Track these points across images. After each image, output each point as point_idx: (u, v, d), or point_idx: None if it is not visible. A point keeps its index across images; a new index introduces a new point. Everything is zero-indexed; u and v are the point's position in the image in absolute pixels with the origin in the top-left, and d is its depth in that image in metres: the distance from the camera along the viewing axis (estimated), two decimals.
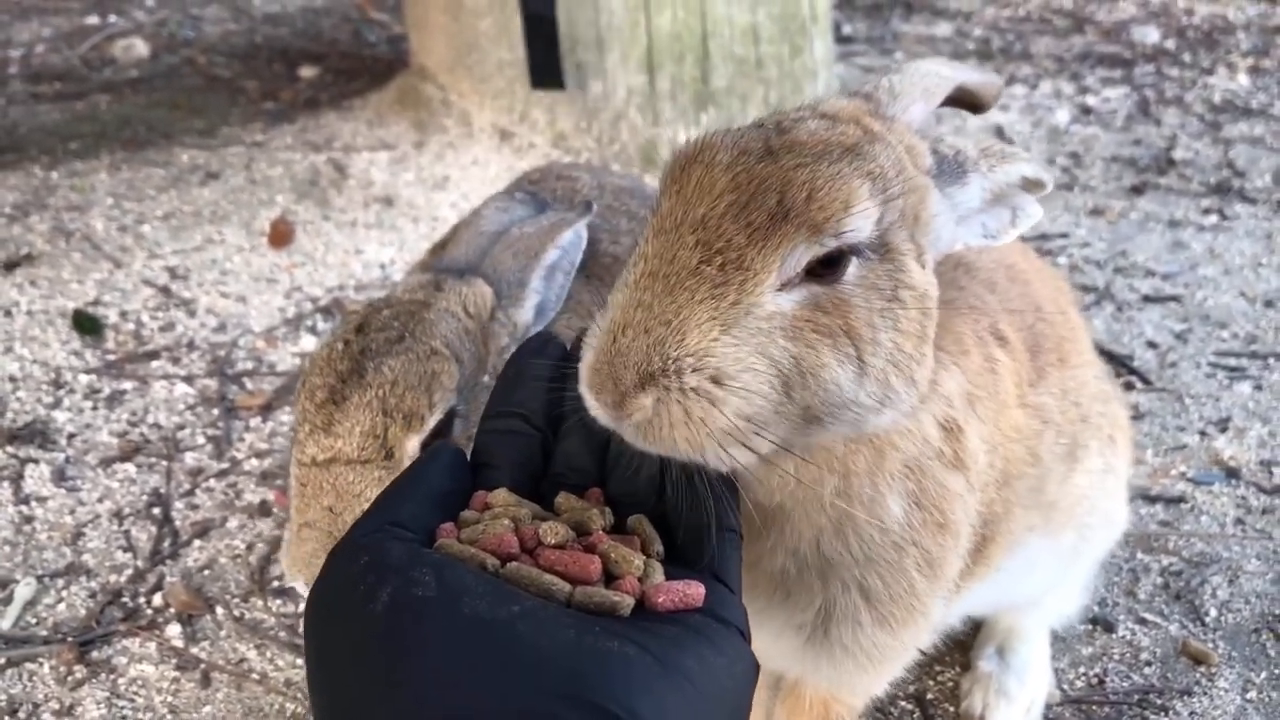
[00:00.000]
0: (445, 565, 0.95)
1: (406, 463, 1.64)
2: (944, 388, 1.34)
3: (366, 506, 1.56)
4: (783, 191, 1.12)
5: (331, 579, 0.99)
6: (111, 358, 3.16)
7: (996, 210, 1.35)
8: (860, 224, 1.13)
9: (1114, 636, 2.23)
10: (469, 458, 1.20)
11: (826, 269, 1.13)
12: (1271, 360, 3.18)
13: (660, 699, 0.89)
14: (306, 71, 5.60)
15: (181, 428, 2.88)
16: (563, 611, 0.94)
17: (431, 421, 1.65)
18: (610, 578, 1.02)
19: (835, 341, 1.13)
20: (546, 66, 4.01)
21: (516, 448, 1.20)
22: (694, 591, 1.02)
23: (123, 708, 2.07)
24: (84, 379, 3.06)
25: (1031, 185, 1.34)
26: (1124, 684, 2.12)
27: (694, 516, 1.14)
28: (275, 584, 2.37)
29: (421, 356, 1.65)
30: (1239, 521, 2.55)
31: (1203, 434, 2.87)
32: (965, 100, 1.51)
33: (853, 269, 1.14)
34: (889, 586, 1.40)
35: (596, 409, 1.12)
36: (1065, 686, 2.13)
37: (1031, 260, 1.79)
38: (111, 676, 2.14)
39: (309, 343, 3.25)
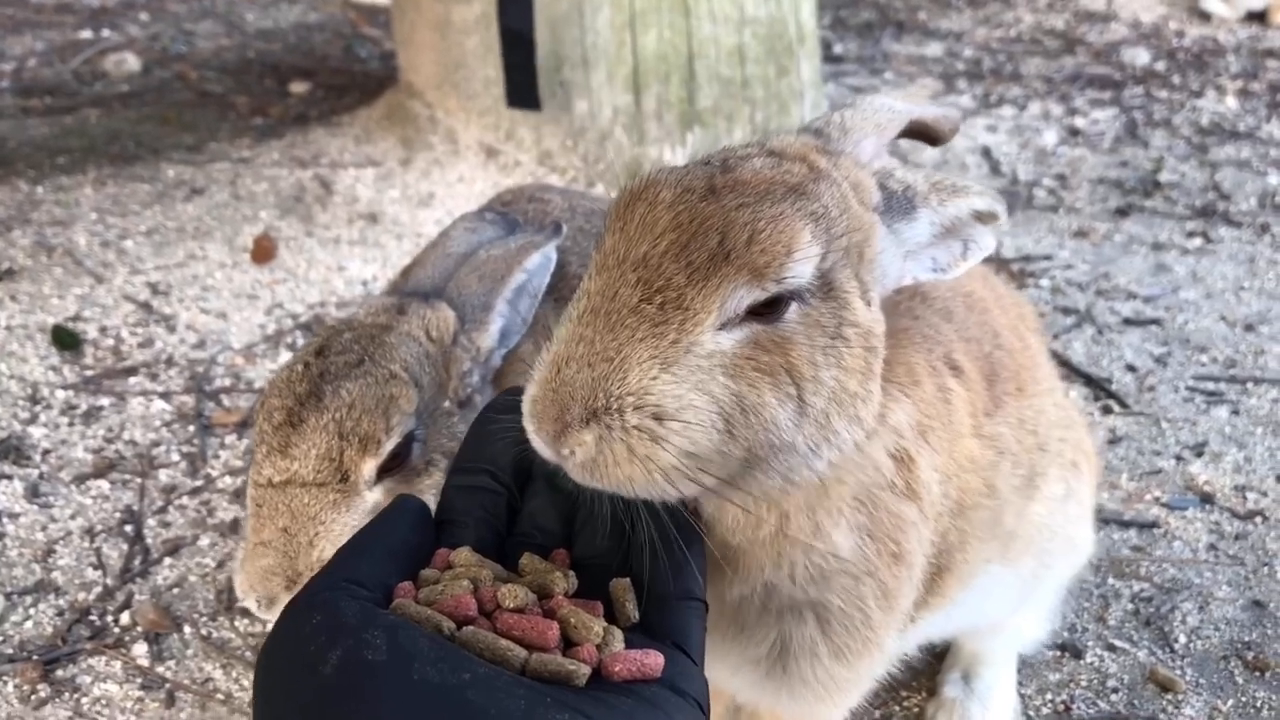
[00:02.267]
0: (398, 628, 0.94)
1: (362, 486, 1.64)
2: (893, 419, 1.34)
3: (321, 529, 1.59)
4: (724, 232, 1.12)
5: (283, 636, 0.98)
6: (90, 373, 3.16)
7: (947, 243, 1.35)
8: (802, 269, 1.13)
9: (1082, 663, 2.22)
10: (434, 512, 1.20)
11: (768, 308, 1.14)
12: (1250, 385, 3.19)
13: None
14: (297, 87, 5.62)
15: (157, 444, 2.88)
16: (515, 680, 0.93)
17: (388, 446, 1.65)
18: (569, 644, 1.02)
19: (776, 380, 1.13)
20: (523, 87, 4.03)
21: (482, 505, 1.21)
22: (652, 662, 1.02)
23: None
24: (61, 394, 3.06)
25: (985, 217, 1.35)
26: (1090, 710, 2.11)
27: (659, 584, 1.15)
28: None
29: (380, 380, 1.66)
30: (1212, 547, 2.55)
31: (1179, 458, 2.87)
32: (922, 134, 1.51)
33: (794, 309, 1.14)
34: (846, 618, 1.40)
35: (537, 441, 1.13)
36: (1031, 713, 2.12)
37: (993, 287, 1.78)
38: (75, 696, 2.13)
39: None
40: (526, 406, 1.14)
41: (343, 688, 0.90)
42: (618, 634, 1.05)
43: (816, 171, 1.25)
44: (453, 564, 1.09)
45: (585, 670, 0.98)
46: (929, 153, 4.75)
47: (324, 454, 1.61)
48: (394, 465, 1.67)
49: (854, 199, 1.25)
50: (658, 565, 1.16)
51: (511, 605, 1.03)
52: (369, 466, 1.64)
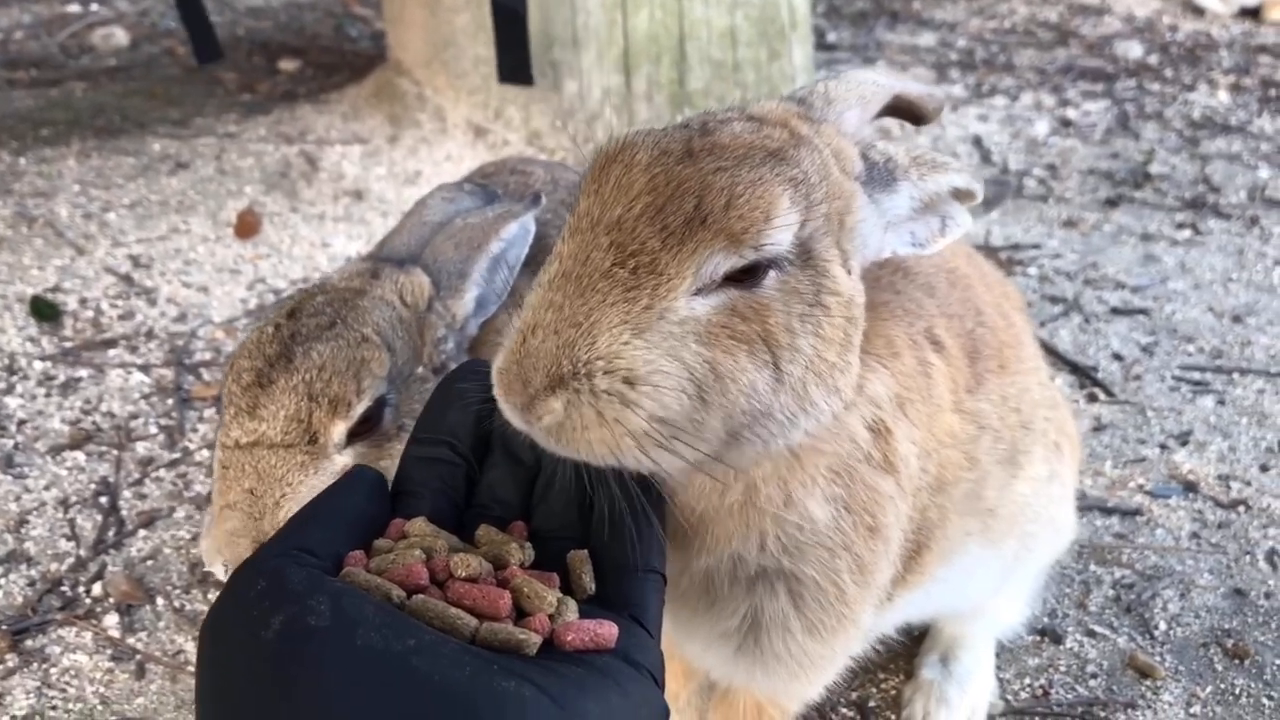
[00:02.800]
0: (344, 594, 0.93)
1: (331, 448, 1.62)
2: (870, 390, 1.32)
3: (288, 491, 1.56)
4: (701, 196, 1.10)
5: (227, 602, 0.96)
6: (68, 345, 3.13)
7: (926, 219, 1.34)
8: (780, 237, 1.11)
9: (1061, 648, 2.21)
10: (391, 483, 1.18)
11: (745, 274, 1.11)
12: (1236, 375, 3.17)
13: None
14: (286, 65, 5.57)
15: (135, 417, 2.85)
16: (462, 648, 0.91)
17: (359, 409, 1.62)
18: (522, 614, 1.00)
19: (752, 348, 1.11)
20: (515, 61, 3.96)
21: (440, 476, 1.18)
22: (605, 632, 1.00)
23: (53, 698, 2.04)
24: (39, 365, 3.03)
25: (963, 195, 1.33)
26: (1068, 696, 2.10)
27: (617, 556, 1.13)
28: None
29: (352, 343, 1.63)
30: (1194, 535, 2.53)
31: (1163, 447, 2.86)
32: (906, 112, 1.49)
33: (771, 276, 1.12)
34: (820, 592, 1.38)
35: (506, 411, 1.10)
36: (1009, 697, 2.11)
37: (976, 265, 1.76)
38: (44, 666, 2.10)
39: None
40: (495, 375, 1.11)
41: (284, 653, 0.88)
42: (571, 604, 1.03)
43: (797, 137, 1.23)
44: (407, 534, 1.07)
45: (536, 639, 0.96)
46: (919, 141, 4.73)
47: (293, 415, 1.58)
48: (365, 429, 1.64)
49: (835, 166, 1.23)
50: (615, 537, 1.14)
51: (464, 574, 1.01)
52: (339, 429, 1.61)
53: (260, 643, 0.89)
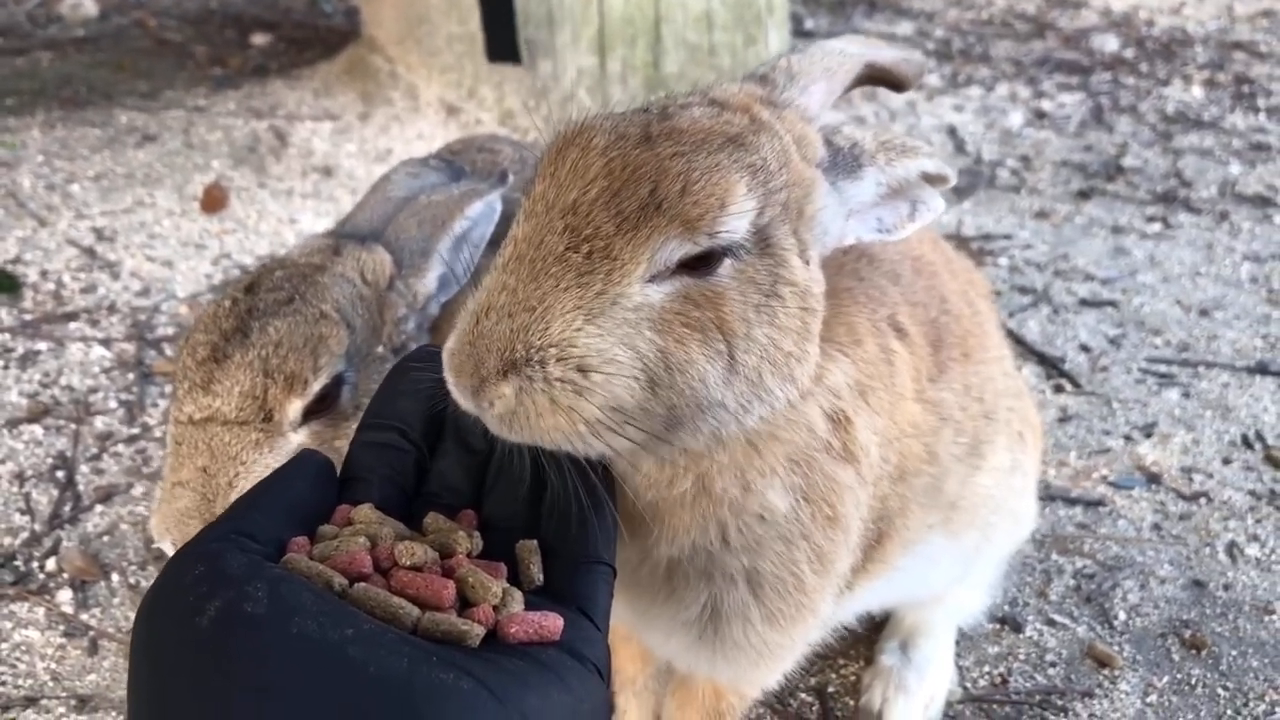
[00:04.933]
0: (283, 581, 0.91)
1: (286, 426, 1.60)
2: (830, 379, 1.30)
3: (241, 469, 1.54)
4: (657, 181, 1.08)
5: (164, 587, 0.94)
6: (28, 317, 3.09)
7: (894, 204, 1.31)
8: (736, 224, 1.10)
9: (1021, 636, 2.22)
10: (339, 469, 1.16)
11: (700, 262, 1.10)
12: (1202, 368, 3.19)
13: None
14: (259, 39, 5.51)
15: (94, 391, 2.81)
16: (401, 638, 0.90)
17: (315, 386, 1.59)
18: (466, 604, 0.99)
19: (706, 336, 1.09)
20: (503, 40, 3.93)
21: (389, 462, 1.17)
22: (550, 624, 0.99)
23: (2, 674, 2.01)
24: None
25: (934, 180, 1.31)
26: (1027, 684, 2.10)
27: (567, 547, 1.12)
28: None
29: (310, 319, 1.61)
30: (1156, 527, 2.55)
31: (1128, 438, 2.87)
32: (883, 79, 1.46)
33: (727, 264, 1.11)
34: (779, 582, 1.37)
35: (456, 393, 1.09)
36: (968, 684, 2.11)
37: (942, 251, 1.75)
38: None
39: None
40: (446, 358, 1.10)
41: (218, 640, 0.86)
42: (517, 595, 1.02)
43: (758, 123, 1.21)
44: (352, 520, 1.06)
45: (479, 631, 0.95)
46: (894, 129, 4.73)
47: (248, 391, 1.56)
48: (321, 408, 1.62)
49: (796, 153, 1.21)
50: (566, 528, 1.12)
51: (408, 563, 0.99)
52: (294, 406, 1.59)
53: (195, 629, 0.87)
